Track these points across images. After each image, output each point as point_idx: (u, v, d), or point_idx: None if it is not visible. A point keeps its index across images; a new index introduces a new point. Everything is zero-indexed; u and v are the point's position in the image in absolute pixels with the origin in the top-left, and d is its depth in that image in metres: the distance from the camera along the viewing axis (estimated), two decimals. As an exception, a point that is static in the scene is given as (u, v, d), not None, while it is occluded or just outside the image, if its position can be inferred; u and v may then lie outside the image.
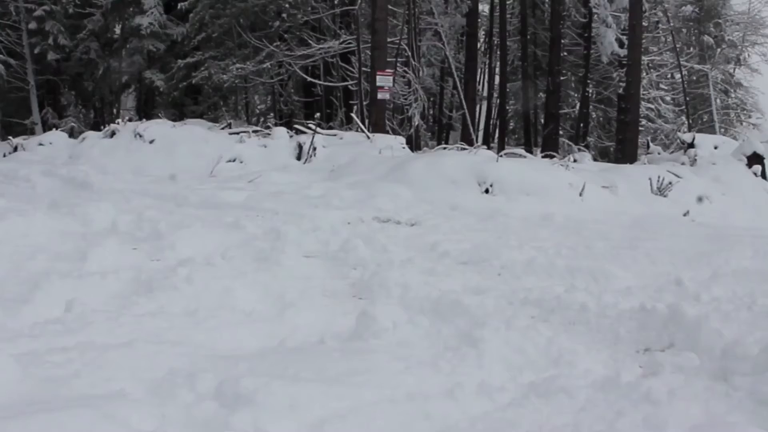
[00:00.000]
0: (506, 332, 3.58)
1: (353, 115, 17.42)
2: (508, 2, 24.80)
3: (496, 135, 26.27)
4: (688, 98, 26.65)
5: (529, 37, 24.83)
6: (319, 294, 4.70)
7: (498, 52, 26.52)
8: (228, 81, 21.42)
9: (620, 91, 21.56)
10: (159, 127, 13.86)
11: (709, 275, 5.48)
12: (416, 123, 19.92)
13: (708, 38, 29.12)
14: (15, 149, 14.83)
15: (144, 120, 15.95)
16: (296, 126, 16.06)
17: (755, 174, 14.48)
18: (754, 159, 14.76)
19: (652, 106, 25.86)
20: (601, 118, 26.58)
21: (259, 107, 27.81)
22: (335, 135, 15.24)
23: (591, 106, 25.42)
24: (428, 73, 23.71)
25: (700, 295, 4.54)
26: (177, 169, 11.55)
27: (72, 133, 17.83)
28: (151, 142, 13.16)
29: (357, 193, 9.84)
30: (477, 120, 27.40)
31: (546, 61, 24.10)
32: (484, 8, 27.07)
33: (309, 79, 21.59)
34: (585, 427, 2.65)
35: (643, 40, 20.84)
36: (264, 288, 4.53)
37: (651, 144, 20.11)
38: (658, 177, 12.68)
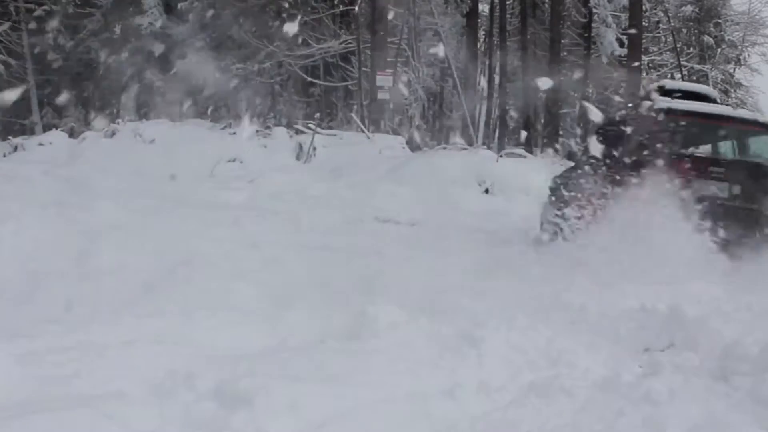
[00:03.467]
0: (506, 332, 3.58)
1: (353, 115, 17.41)
2: (508, 2, 24.77)
3: (496, 135, 26.24)
4: (688, 98, 26.58)
5: (529, 37, 24.80)
6: (319, 294, 4.70)
7: (498, 52, 26.48)
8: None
9: (620, 91, 21.54)
10: (159, 127, 13.87)
11: (709, 275, 5.47)
12: (416, 123, 19.91)
13: (708, 38, 29.09)
14: (15, 149, 14.81)
15: (144, 120, 15.93)
16: (296, 126, 16.05)
17: (755, 174, 14.46)
18: (754, 159, 14.75)
19: (652, 106, 25.82)
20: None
21: (259, 107, 27.76)
22: (335, 135, 15.22)
23: (591, 106, 25.39)
24: (428, 73, 23.67)
25: (700, 295, 4.53)
26: (177, 169, 11.54)
27: (72, 133, 17.79)
28: (151, 142, 13.17)
29: (357, 192, 9.85)
30: (477, 120, 27.35)
31: (546, 61, 24.07)
32: (484, 8, 27.04)
33: (309, 79, 21.57)
34: (585, 427, 2.64)
35: (643, 40, 20.82)
36: (264, 287, 4.52)
37: (651, 144, 20.09)
38: (658, 177, 12.67)
